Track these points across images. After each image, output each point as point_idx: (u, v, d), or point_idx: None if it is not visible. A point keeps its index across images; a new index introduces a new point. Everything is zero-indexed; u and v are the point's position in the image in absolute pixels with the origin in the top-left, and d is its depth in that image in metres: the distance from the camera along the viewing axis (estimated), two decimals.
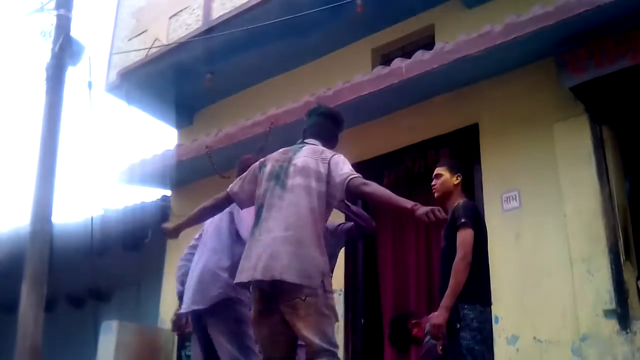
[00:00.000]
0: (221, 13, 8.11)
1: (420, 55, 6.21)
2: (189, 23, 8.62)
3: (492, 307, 5.70)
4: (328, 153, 3.85)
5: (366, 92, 6.42)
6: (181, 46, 8.41)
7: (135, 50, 8.94)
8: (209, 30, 8.11)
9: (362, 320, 6.88)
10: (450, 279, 4.07)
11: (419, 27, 7.49)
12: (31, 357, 5.92)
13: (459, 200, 4.42)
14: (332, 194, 3.72)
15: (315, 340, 3.40)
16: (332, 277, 3.78)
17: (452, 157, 6.67)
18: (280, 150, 4.04)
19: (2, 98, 29.77)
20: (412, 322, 5.56)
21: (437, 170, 4.58)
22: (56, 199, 6.45)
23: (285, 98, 7.49)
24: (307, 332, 3.41)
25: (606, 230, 5.25)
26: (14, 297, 6.38)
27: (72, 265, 8.51)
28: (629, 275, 5.18)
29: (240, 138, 7.42)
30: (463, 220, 4.18)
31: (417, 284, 6.86)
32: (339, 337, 6.72)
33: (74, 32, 6.91)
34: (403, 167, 6.94)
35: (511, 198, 5.85)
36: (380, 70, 6.55)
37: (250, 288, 3.68)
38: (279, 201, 3.66)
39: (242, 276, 3.59)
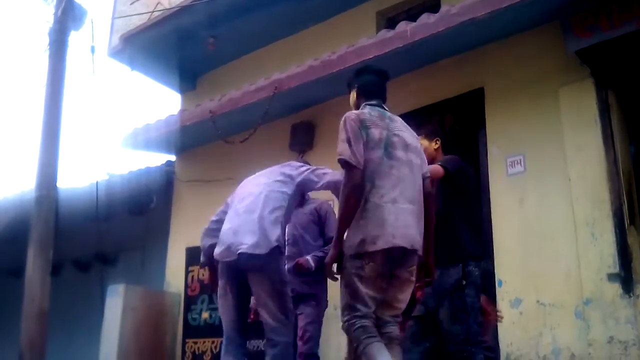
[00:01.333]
0: None
1: (425, 18, 6.15)
2: None
3: (496, 270, 5.76)
4: (413, 131, 4.02)
5: (371, 56, 6.36)
6: (184, 10, 8.33)
7: (138, 14, 8.86)
8: None
9: None
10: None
11: None
12: (38, 321, 6.00)
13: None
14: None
15: (400, 305, 3.77)
16: None
17: (456, 121, 6.65)
18: (372, 112, 3.92)
19: (5, 64, 29.66)
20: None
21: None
22: (61, 164, 6.50)
23: (289, 62, 7.44)
24: (404, 295, 3.77)
25: (611, 195, 5.25)
26: (20, 262, 6.44)
27: (77, 230, 8.55)
28: (632, 240, 5.19)
29: (244, 103, 7.40)
30: (440, 163, 4.45)
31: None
32: None
33: None
34: None
35: (516, 162, 5.85)
36: (385, 33, 6.50)
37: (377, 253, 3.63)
38: (392, 171, 3.72)
39: (382, 244, 3.58)
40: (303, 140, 7.54)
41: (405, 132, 3.91)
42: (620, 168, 5.34)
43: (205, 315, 7.02)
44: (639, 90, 5.64)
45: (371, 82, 4.10)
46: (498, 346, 5.45)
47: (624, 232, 5.15)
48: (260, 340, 6.56)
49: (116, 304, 7.70)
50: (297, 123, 7.58)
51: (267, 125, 7.47)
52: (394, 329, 3.72)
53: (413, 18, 6.45)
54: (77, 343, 9.93)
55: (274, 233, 4.36)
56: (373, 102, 4.00)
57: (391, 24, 7.41)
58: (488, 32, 6.07)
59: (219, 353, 7.01)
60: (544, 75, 5.90)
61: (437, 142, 4.65)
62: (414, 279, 3.76)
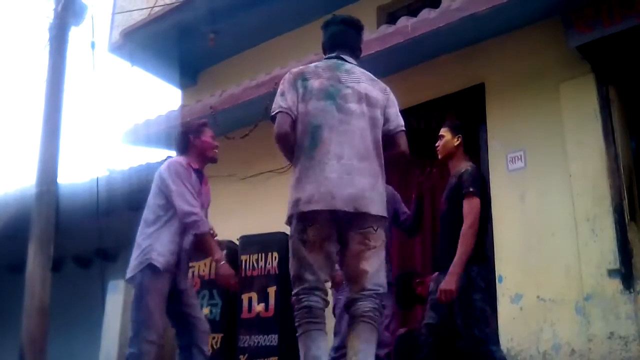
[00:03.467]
0: None
1: (426, 13, 6.14)
2: None
3: (497, 266, 5.76)
4: (382, 84, 3.73)
5: (371, 51, 6.35)
6: (184, 5, 8.33)
7: (138, 10, 8.86)
8: None
9: None
10: (459, 246, 4.10)
11: None
12: (39, 317, 6.00)
13: (464, 165, 4.45)
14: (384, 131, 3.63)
15: (366, 276, 3.35)
16: None
17: (457, 116, 6.64)
18: (320, 64, 3.70)
19: (6, 60, 29.64)
20: (417, 280, 5.62)
21: (441, 131, 4.58)
22: (61, 160, 6.48)
23: (289, 58, 7.43)
24: (366, 264, 3.36)
25: (611, 191, 5.24)
26: (21, 257, 6.43)
27: (78, 226, 8.55)
28: (633, 236, 5.19)
29: (244, 99, 7.40)
30: (471, 189, 4.22)
31: (423, 243, 6.89)
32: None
33: None
34: (408, 127, 6.90)
35: (516, 158, 5.84)
36: (386, 29, 6.49)
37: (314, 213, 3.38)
38: (341, 125, 3.46)
39: (318, 204, 3.32)
40: None
41: (364, 83, 3.62)
42: (621, 164, 5.34)
43: (205, 310, 7.00)
44: (639, 85, 5.63)
45: (333, 34, 3.86)
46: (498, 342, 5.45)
47: (624, 228, 5.15)
48: None
49: (117, 300, 7.72)
50: None
51: (268, 121, 7.42)
52: (361, 305, 3.32)
53: (414, 13, 6.44)
54: (77, 339, 9.93)
55: None
56: (332, 54, 3.77)
57: (392, 19, 7.40)
58: (489, 28, 6.06)
59: (219, 348, 7.04)
60: (545, 70, 5.89)
61: (459, 139, 4.53)
62: (374, 244, 3.38)
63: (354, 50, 3.86)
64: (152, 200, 4.65)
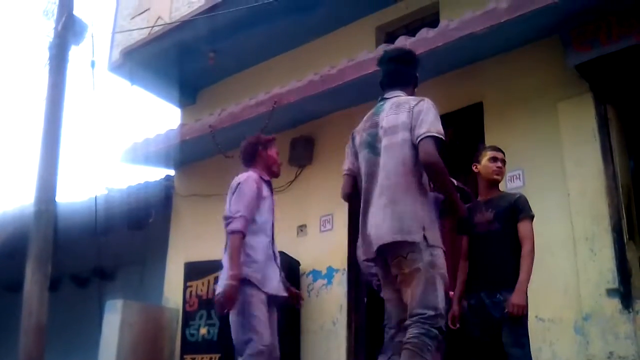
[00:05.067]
0: None
1: (424, 33, 6.17)
2: (192, 1, 8.59)
3: None
4: (413, 101, 3.72)
5: (370, 71, 6.37)
6: (184, 24, 8.36)
7: (138, 29, 8.90)
8: (212, 9, 8.06)
9: (365, 299, 6.90)
10: (524, 266, 4.10)
11: (423, 5, 7.44)
12: (36, 336, 5.96)
13: (505, 191, 4.66)
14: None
15: (413, 302, 3.34)
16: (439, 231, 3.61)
17: (456, 135, 6.65)
18: (365, 117, 3.94)
19: (6, 78, 29.74)
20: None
21: (504, 157, 4.55)
22: (60, 179, 6.47)
23: (288, 77, 7.46)
24: (408, 293, 3.39)
25: (610, 209, 5.24)
26: (18, 276, 6.41)
27: (76, 245, 8.53)
28: (632, 255, 5.18)
29: (243, 117, 7.41)
30: (531, 213, 4.27)
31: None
32: (342, 316, 6.76)
33: (77, 11, 6.90)
34: None
35: (515, 177, 5.84)
36: (385, 48, 6.51)
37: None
38: (375, 169, 3.64)
39: (365, 254, 3.66)
40: (302, 155, 7.55)
41: (390, 116, 3.69)
42: (620, 183, 5.34)
43: (203, 331, 6.98)
44: (638, 105, 5.64)
45: (382, 75, 4.06)
46: None
47: (623, 247, 5.14)
48: None
49: (114, 320, 7.67)
50: (297, 137, 7.59)
51: None
52: (407, 333, 3.33)
53: (412, 33, 6.47)
54: (74, 358, 9.86)
55: None
56: (380, 97, 3.96)
57: (390, 38, 7.43)
58: (487, 47, 6.09)
59: None
60: (543, 89, 5.91)
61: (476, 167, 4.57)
62: (408, 270, 3.41)
63: (401, 83, 3.96)
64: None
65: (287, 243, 6.87)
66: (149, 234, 9.44)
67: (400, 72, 4.00)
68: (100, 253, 8.17)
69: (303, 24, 7.96)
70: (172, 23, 8.53)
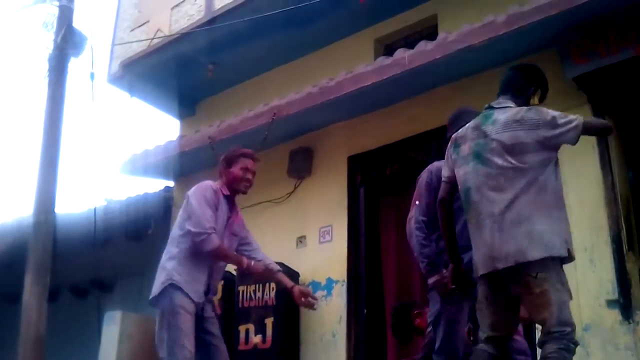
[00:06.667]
0: (223, 4, 8.08)
1: (423, 45, 6.19)
2: (191, 14, 8.60)
3: None
4: (531, 114, 3.60)
5: (369, 83, 6.41)
6: (183, 37, 8.39)
7: (137, 41, 8.92)
8: (211, 21, 8.09)
9: (365, 310, 6.89)
10: None
11: (422, 17, 7.46)
12: (35, 347, 5.96)
13: None
14: (556, 147, 3.61)
15: (551, 320, 3.29)
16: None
17: None
18: (470, 125, 3.77)
19: (5, 90, 29.77)
20: (415, 312, 5.57)
21: None
22: (59, 190, 6.49)
23: (287, 89, 7.48)
24: (540, 311, 3.34)
25: (609, 220, 5.24)
26: (17, 287, 6.41)
27: (75, 256, 8.52)
28: (631, 266, 5.18)
29: (242, 129, 7.42)
30: None
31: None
32: (341, 327, 6.74)
33: (76, 23, 6.94)
34: (406, 158, 6.93)
35: None
36: (383, 60, 6.54)
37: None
38: (490, 181, 3.51)
39: (483, 268, 3.47)
40: (301, 167, 7.55)
41: (509, 131, 3.55)
42: (619, 194, 5.35)
43: None
44: (636, 116, 5.66)
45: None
46: None
47: (622, 258, 5.14)
48: None
49: (113, 331, 7.66)
50: (296, 149, 7.60)
51: (266, 152, 7.46)
52: (544, 349, 3.34)
53: (411, 45, 6.49)
54: None
55: None
56: (487, 105, 3.84)
57: (389, 51, 7.45)
58: (485, 59, 6.10)
59: None
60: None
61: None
62: (537, 290, 3.34)
63: (512, 91, 3.84)
64: (180, 220, 4.55)
65: (286, 254, 6.88)
66: (148, 245, 9.40)
67: (514, 81, 3.90)
68: (99, 264, 8.17)
69: (302, 37, 7.99)
70: (171, 35, 8.55)
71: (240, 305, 6.95)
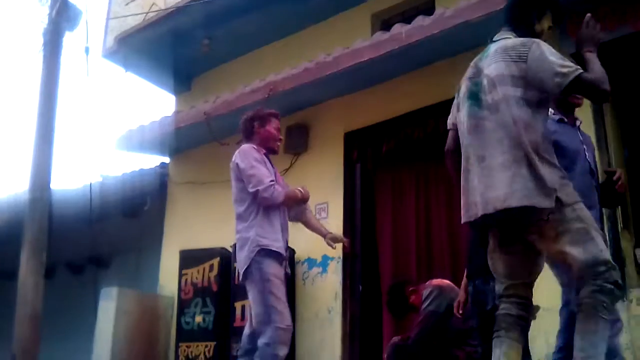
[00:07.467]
0: None
1: (420, 20, 6.14)
2: None
3: None
4: (522, 47, 3.24)
5: (366, 58, 6.37)
6: (179, 11, 8.31)
7: (132, 15, 8.84)
8: None
9: (360, 287, 6.91)
10: None
11: None
12: (31, 323, 5.97)
13: None
14: (540, 90, 3.18)
15: (576, 263, 2.95)
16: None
17: None
18: (474, 61, 3.48)
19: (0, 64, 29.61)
20: (410, 289, 5.59)
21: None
22: (54, 166, 6.46)
23: (284, 64, 7.44)
24: (567, 250, 2.97)
25: None
26: (13, 264, 6.41)
27: (71, 232, 8.52)
28: (626, 244, 5.19)
29: (238, 105, 7.37)
30: None
31: (418, 250, 6.88)
32: (337, 304, 6.77)
33: None
34: (402, 134, 6.91)
35: None
36: (380, 35, 6.50)
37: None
38: (481, 122, 3.19)
39: (467, 215, 3.18)
40: (297, 142, 7.53)
41: (495, 63, 3.27)
42: None
43: (198, 319, 6.99)
44: (632, 93, 5.63)
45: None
46: None
47: (617, 236, 5.15)
48: None
49: (109, 307, 7.67)
50: (292, 125, 7.56)
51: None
52: (578, 297, 3.02)
53: (408, 20, 6.45)
54: (70, 346, 9.88)
55: None
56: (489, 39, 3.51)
57: (386, 26, 7.40)
58: (483, 35, 6.03)
59: (212, 357, 7.01)
60: None
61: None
62: (552, 232, 3.02)
63: (511, 22, 3.56)
64: (237, 192, 4.65)
65: None
66: (144, 221, 9.43)
67: (515, 8, 3.57)
68: (95, 241, 8.17)
69: (298, 11, 7.93)
70: (166, 9, 8.48)
71: (236, 282, 6.96)
